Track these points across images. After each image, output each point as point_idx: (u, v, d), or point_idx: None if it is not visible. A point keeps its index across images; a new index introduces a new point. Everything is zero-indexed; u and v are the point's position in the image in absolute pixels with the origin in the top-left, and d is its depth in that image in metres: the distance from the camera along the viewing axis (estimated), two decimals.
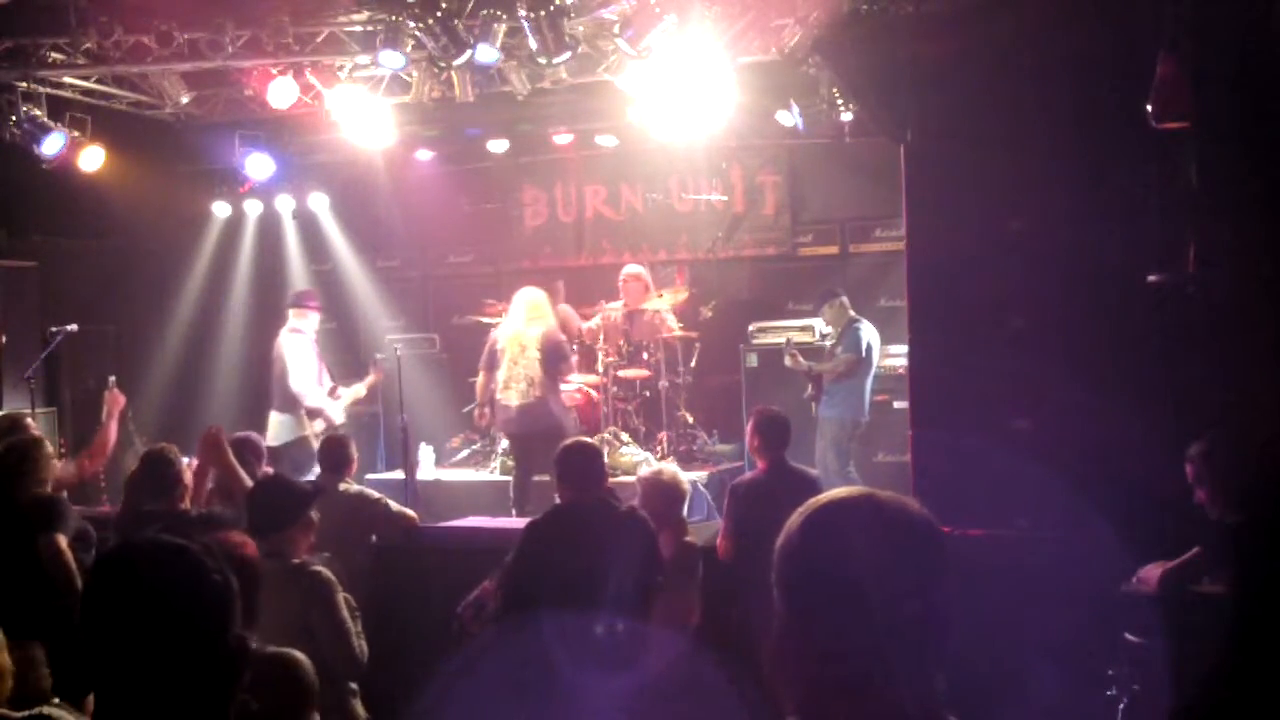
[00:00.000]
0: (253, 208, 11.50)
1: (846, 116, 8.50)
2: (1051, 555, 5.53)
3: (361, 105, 8.61)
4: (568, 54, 7.34)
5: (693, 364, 10.35)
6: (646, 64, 7.34)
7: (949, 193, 6.31)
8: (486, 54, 7.40)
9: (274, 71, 8.17)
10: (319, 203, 11.55)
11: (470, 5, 7.38)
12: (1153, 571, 5.09)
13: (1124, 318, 5.89)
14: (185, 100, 8.77)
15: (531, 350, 8.69)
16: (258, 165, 9.65)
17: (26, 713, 2.63)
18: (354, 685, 4.65)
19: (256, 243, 11.88)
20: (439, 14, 7.15)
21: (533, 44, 7.24)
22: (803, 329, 9.92)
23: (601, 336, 10.30)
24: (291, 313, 9.18)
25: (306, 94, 8.49)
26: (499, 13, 7.32)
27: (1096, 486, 5.42)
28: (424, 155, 10.67)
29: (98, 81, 8.74)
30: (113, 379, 7.30)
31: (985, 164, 6.05)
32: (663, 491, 5.54)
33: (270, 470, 6.55)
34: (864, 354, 9.09)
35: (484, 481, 9.88)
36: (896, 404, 9.11)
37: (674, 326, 10.20)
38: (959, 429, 6.06)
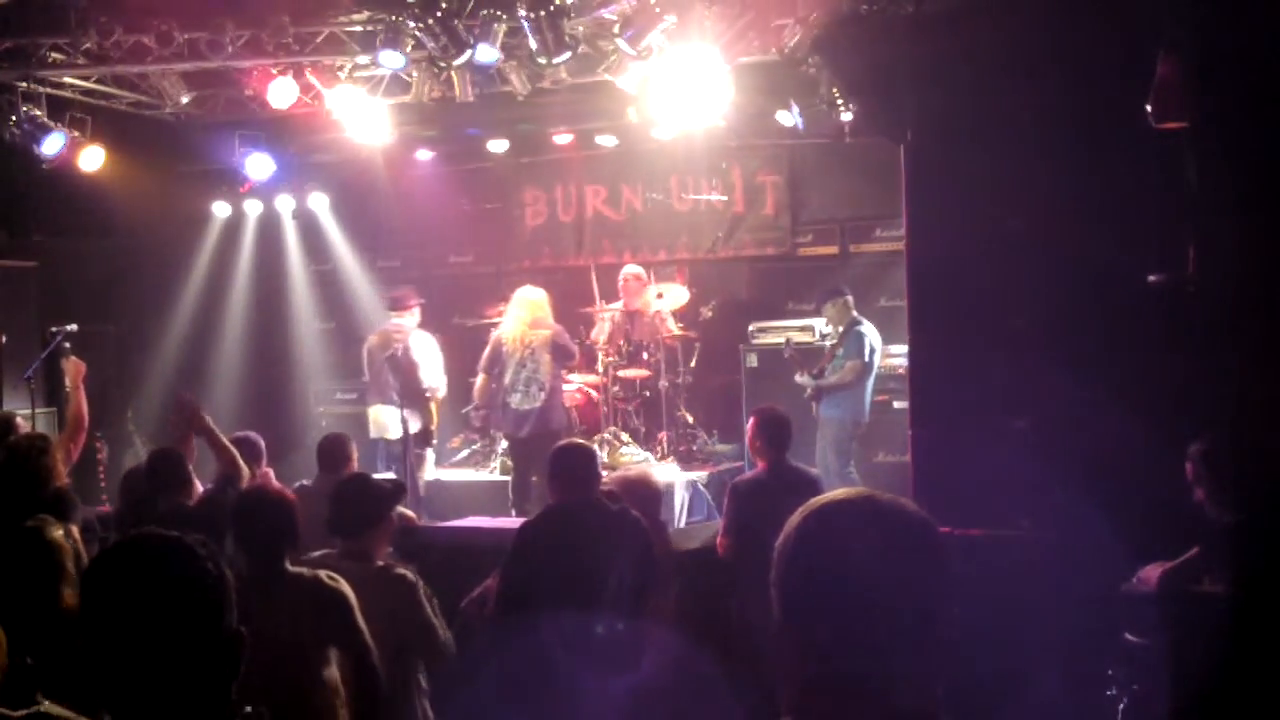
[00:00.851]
0: (253, 208, 11.49)
1: (846, 116, 8.47)
2: (1051, 555, 5.53)
3: (361, 105, 8.60)
4: (568, 54, 7.34)
5: (693, 364, 10.36)
6: (646, 64, 7.34)
7: (949, 192, 6.31)
8: (486, 54, 7.40)
9: (274, 71, 8.17)
10: (319, 203, 11.55)
11: (470, 5, 7.38)
12: (1153, 571, 5.09)
13: (1124, 318, 5.88)
14: (185, 100, 8.78)
15: (540, 353, 8.74)
16: (258, 165, 9.65)
17: (25, 711, 2.63)
18: (424, 684, 4.59)
19: (256, 243, 11.88)
20: (439, 14, 7.16)
21: (533, 44, 7.25)
22: (803, 329, 9.92)
23: (602, 337, 10.31)
24: (401, 314, 9.53)
25: (306, 94, 8.49)
26: (499, 13, 7.32)
27: (1096, 486, 5.41)
28: (424, 155, 10.65)
29: (98, 81, 8.75)
30: (67, 342, 7.35)
31: (985, 164, 6.05)
32: (629, 491, 5.02)
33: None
34: (867, 359, 9.09)
35: (484, 481, 9.90)
36: (896, 404, 9.12)
37: (674, 328, 10.21)
38: (959, 429, 6.07)
